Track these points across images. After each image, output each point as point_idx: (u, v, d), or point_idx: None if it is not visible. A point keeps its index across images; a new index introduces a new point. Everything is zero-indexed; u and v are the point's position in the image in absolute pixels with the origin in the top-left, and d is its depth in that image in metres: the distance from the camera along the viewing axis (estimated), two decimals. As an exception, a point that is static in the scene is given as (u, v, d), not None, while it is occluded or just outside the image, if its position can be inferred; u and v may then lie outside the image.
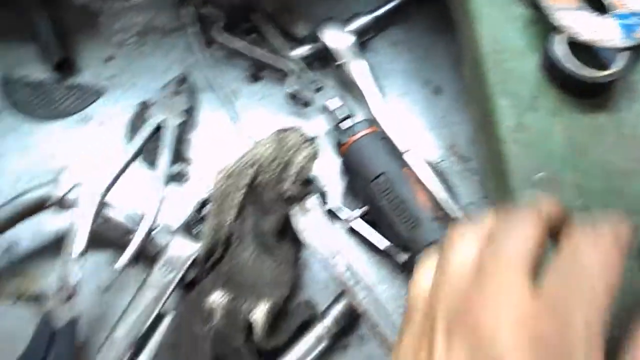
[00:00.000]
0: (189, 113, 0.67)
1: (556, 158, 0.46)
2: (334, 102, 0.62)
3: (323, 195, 0.60)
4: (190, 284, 0.57)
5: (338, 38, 0.65)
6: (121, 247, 0.57)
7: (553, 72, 0.47)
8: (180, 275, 0.55)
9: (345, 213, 0.59)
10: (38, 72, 0.73)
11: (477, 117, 0.52)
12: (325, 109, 0.62)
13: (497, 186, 0.48)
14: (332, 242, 0.57)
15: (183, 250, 0.56)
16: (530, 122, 0.48)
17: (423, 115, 0.66)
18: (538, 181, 0.46)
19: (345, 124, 0.60)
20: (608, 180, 0.45)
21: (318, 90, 0.65)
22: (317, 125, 0.65)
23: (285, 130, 0.59)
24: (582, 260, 0.27)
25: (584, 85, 0.46)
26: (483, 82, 0.50)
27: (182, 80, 0.68)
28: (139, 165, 0.66)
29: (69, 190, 0.58)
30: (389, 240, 0.57)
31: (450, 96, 0.67)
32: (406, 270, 0.56)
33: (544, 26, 0.48)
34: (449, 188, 0.60)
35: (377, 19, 0.68)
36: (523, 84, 0.49)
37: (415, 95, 0.67)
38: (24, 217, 0.60)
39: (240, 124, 0.67)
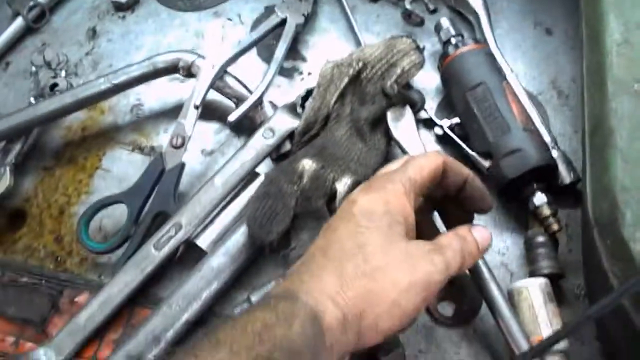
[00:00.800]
0: (310, 18, 0.73)
1: (657, 74, 0.47)
2: (446, 22, 0.65)
3: (419, 103, 0.64)
4: (284, 156, 0.62)
5: (461, -33, 0.69)
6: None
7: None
8: (278, 141, 0.61)
9: (437, 120, 0.62)
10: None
11: (587, 32, 0.54)
12: (437, 27, 0.66)
13: (594, 95, 0.50)
14: (420, 143, 0.60)
15: (285, 122, 0.62)
16: (637, 40, 0.49)
17: (530, 51, 0.68)
18: (634, 91, 0.47)
19: (454, 40, 0.64)
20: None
21: (433, 12, 0.68)
22: (426, 45, 0.69)
23: (397, 37, 0.63)
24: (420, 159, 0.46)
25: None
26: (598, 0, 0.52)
27: (308, -11, 0.74)
28: (256, 60, 0.73)
29: (196, 58, 0.66)
30: (473, 150, 0.60)
31: (559, 39, 0.68)
32: (488, 177, 0.58)
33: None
34: (543, 116, 0.61)
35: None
36: (635, 7, 0.51)
37: (525, 33, 0.69)
38: (154, 77, 0.68)
39: (354, 36, 0.72)
